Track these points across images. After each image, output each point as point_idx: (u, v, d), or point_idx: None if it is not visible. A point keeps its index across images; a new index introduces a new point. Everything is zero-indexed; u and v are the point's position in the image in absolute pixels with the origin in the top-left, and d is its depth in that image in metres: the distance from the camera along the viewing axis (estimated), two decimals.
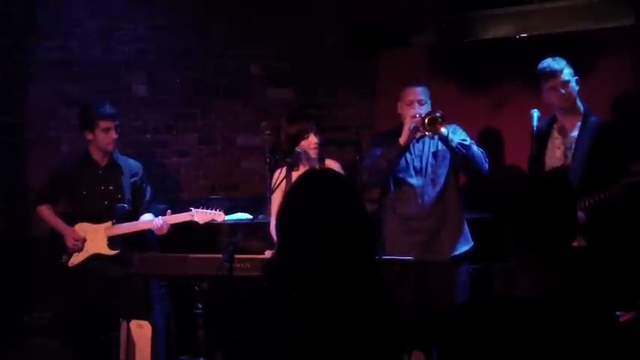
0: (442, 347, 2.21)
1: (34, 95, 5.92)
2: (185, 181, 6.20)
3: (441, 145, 4.64)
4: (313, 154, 4.54)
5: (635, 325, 3.27)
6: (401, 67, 5.76)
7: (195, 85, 6.18)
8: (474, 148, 4.60)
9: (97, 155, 5.01)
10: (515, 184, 2.35)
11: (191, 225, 4.89)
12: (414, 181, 4.67)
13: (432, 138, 4.63)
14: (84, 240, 4.92)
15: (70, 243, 4.92)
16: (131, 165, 5.11)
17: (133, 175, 5.08)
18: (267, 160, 5.42)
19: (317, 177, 2.36)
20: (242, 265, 4.15)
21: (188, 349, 5.02)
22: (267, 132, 5.65)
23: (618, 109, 5.04)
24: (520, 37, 5.44)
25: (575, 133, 4.49)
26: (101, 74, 6.01)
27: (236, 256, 3.98)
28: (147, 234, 5.01)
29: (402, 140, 4.56)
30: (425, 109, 4.58)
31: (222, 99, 6.21)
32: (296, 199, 2.26)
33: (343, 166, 4.66)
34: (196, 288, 4.62)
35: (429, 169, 4.66)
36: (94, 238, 4.92)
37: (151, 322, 4.71)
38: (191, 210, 4.88)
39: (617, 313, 3.10)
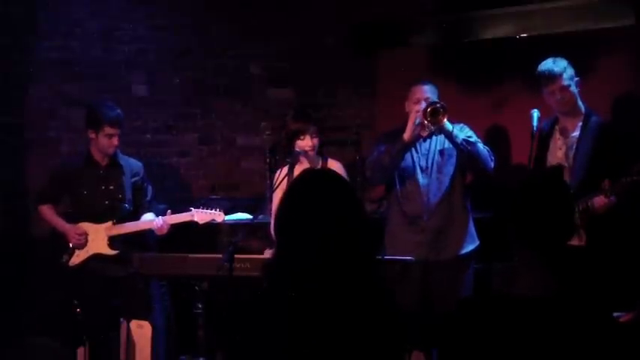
0: (443, 346, 2.21)
1: (34, 95, 5.92)
2: (185, 181, 6.20)
3: (447, 144, 4.62)
4: (308, 155, 4.55)
5: (635, 325, 3.27)
6: (401, 67, 5.76)
7: (195, 85, 6.17)
8: (480, 145, 4.58)
9: (97, 155, 4.99)
10: (516, 184, 2.37)
11: (191, 225, 4.89)
12: (420, 179, 4.65)
13: (437, 134, 4.62)
14: (86, 234, 4.91)
15: (73, 239, 4.90)
16: (132, 164, 5.10)
17: (134, 175, 5.07)
18: (267, 160, 5.41)
19: (314, 177, 2.37)
20: (242, 265, 4.14)
21: (188, 349, 5.02)
22: (267, 132, 5.66)
23: (618, 109, 5.04)
24: (520, 37, 5.44)
25: (576, 134, 4.49)
26: (101, 74, 6.01)
27: (236, 256, 3.98)
28: (146, 234, 5.00)
29: (405, 136, 4.54)
30: None
31: (222, 99, 6.21)
32: (293, 198, 2.26)
33: (343, 166, 4.66)
34: (196, 288, 4.61)
35: (435, 167, 4.64)
36: (95, 238, 4.91)
37: (151, 322, 4.69)
38: (191, 210, 4.88)
39: (618, 313, 3.11)
